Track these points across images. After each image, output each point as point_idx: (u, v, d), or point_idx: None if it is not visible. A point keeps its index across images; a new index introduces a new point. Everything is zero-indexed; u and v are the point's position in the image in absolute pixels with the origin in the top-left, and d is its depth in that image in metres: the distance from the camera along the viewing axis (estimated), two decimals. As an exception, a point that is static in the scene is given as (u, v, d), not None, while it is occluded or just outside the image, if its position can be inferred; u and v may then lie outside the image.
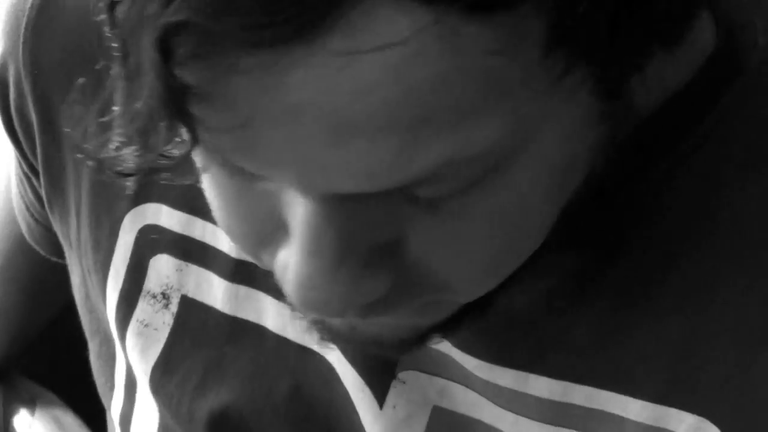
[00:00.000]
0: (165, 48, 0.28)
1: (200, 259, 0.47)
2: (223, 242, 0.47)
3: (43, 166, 0.51)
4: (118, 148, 0.33)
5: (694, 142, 0.39)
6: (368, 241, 0.34)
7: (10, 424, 0.70)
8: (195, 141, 0.31)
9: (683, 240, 0.40)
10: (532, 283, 0.40)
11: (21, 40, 0.49)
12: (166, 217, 0.49)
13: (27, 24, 0.49)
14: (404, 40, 0.28)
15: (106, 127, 0.34)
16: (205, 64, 0.28)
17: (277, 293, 0.40)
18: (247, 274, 0.46)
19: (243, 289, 0.47)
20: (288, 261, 0.35)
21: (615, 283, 0.41)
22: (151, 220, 0.49)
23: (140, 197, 0.49)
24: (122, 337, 0.51)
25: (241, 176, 0.33)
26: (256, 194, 0.35)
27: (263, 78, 0.28)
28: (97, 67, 0.35)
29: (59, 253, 0.55)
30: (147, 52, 0.28)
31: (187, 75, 0.28)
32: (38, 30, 0.48)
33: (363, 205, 0.32)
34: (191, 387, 0.49)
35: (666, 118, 0.39)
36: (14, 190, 0.59)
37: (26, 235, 0.61)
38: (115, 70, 0.31)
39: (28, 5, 0.49)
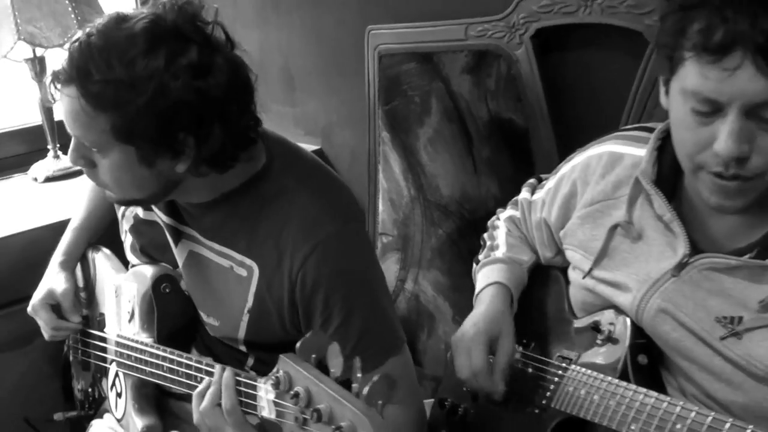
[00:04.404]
0: None
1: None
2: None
3: None
4: None
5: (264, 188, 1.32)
6: None
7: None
8: None
9: (264, 209, 1.32)
10: (221, 209, 1.33)
11: None
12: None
13: None
14: (72, 97, 1.19)
15: None
16: None
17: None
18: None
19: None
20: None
21: (251, 221, 1.31)
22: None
23: None
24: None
25: None
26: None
27: None
28: None
29: None
30: None
31: None
32: None
33: None
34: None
35: (251, 182, 1.31)
36: None
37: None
38: None
39: None
